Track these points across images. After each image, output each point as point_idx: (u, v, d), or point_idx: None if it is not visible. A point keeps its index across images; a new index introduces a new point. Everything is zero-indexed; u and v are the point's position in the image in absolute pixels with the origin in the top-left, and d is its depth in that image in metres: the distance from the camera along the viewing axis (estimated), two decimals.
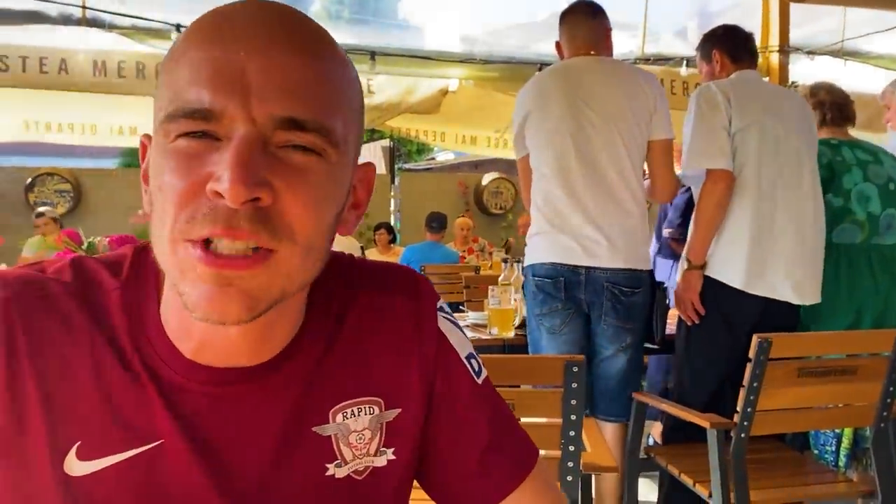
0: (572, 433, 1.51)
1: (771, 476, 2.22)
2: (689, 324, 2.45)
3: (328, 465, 0.70)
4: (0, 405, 0.61)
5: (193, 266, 0.55)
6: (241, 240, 0.55)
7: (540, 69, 4.66)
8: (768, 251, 2.38)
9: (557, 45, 2.63)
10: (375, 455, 0.72)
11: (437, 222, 6.33)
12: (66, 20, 3.76)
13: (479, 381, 0.78)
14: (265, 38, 0.57)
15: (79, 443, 0.62)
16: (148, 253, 0.67)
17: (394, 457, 0.73)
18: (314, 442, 0.69)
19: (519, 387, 1.62)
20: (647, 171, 2.58)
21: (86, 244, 2.54)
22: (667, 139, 2.48)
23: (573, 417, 1.50)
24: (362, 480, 0.72)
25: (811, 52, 4.52)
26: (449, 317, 0.78)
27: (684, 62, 4.80)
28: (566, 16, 2.59)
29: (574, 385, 1.48)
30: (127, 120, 6.24)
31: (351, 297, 0.73)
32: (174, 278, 0.57)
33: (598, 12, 2.57)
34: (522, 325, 2.87)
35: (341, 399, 0.70)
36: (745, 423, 2.02)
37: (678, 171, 2.69)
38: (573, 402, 1.49)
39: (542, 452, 1.58)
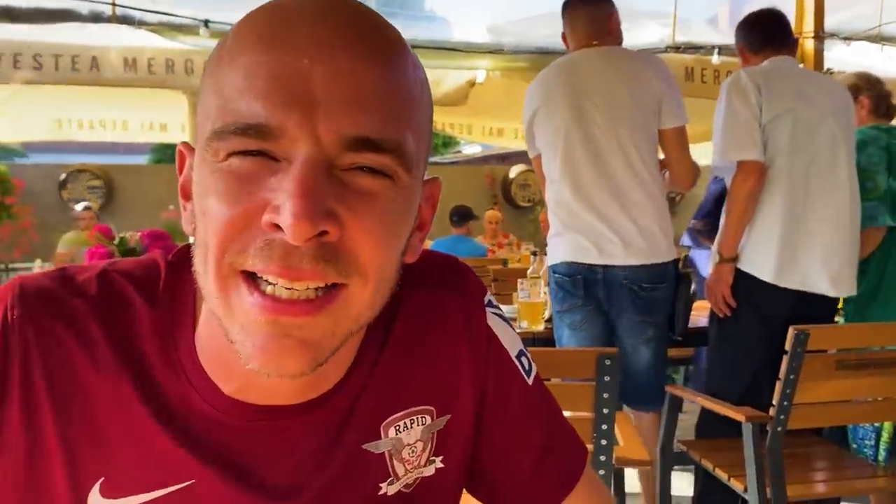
0: (605, 427, 1.49)
1: (808, 470, 2.17)
2: (720, 316, 2.41)
3: (381, 485, 0.64)
4: (14, 432, 0.55)
5: (246, 312, 0.49)
6: (302, 280, 0.48)
7: None
8: (801, 243, 2.33)
9: (563, 37, 2.58)
10: (425, 465, 0.67)
11: (457, 216, 6.29)
12: (96, 17, 3.80)
13: (530, 380, 0.72)
14: (333, 41, 0.48)
15: (102, 479, 0.57)
16: (183, 268, 0.60)
17: (442, 465, 0.68)
18: (365, 461, 0.63)
19: (549, 380, 1.60)
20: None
21: (117, 239, 2.57)
22: (678, 126, 2.41)
23: (606, 411, 1.48)
24: (411, 493, 0.67)
25: (847, 38, 4.42)
26: (497, 312, 0.72)
27: (716, 50, 4.72)
28: (565, 7, 2.52)
29: (606, 378, 1.46)
30: (157, 116, 6.32)
31: (396, 299, 0.63)
32: (223, 319, 0.51)
33: (600, 1, 2.48)
34: (551, 319, 2.85)
35: (392, 412, 0.64)
36: (782, 417, 1.98)
37: (708, 162, 2.64)
38: (605, 395, 1.47)
39: None
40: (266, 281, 0.48)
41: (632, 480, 2.54)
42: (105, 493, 0.57)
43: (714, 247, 2.47)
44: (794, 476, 2.04)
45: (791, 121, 2.32)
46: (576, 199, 2.37)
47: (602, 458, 1.51)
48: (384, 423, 0.63)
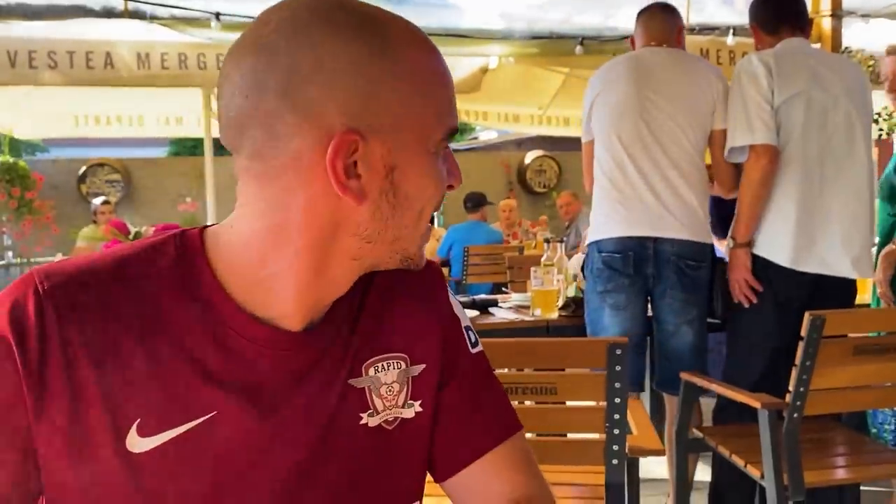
0: (617, 416, 1.49)
1: (826, 456, 2.15)
2: (745, 304, 2.38)
3: (362, 415, 0.76)
4: (58, 391, 0.64)
5: (427, 236, 0.73)
6: None
7: (581, 43, 4.58)
8: (818, 226, 2.31)
9: (631, 40, 2.75)
10: (403, 407, 0.79)
11: (471, 202, 6.33)
12: (108, 13, 3.81)
13: (474, 351, 0.86)
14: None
15: (139, 420, 0.66)
16: (185, 232, 0.73)
17: (420, 409, 0.80)
18: (351, 393, 0.75)
19: (562, 370, 1.60)
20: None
21: (132, 234, 2.59)
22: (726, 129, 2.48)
23: (617, 400, 1.48)
24: (392, 430, 0.78)
25: (866, 15, 4.33)
26: (451, 292, 0.88)
27: (731, 31, 4.64)
28: (642, 13, 2.72)
29: (618, 368, 1.46)
30: (173, 110, 6.36)
31: (367, 276, 0.78)
32: (408, 250, 0.72)
33: (673, 11, 2.71)
34: (566, 307, 2.84)
35: (373, 354, 0.77)
36: (798, 403, 1.96)
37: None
38: (617, 384, 1.47)
39: (587, 435, 1.57)
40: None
41: (647, 466, 2.54)
42: (142, 433, 0.66)
43: (729, 232, 2.45)
44: (811, 462, 2.03)
45: (804, 102, 2.29)
46: (631, 172, 2.47)
47: (615, 447, 1.51)
48: (365, 364, 0.77)
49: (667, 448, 2.39)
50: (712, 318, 2.54)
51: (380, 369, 0.77)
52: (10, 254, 7.52)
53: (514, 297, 3.25)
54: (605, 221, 2.54)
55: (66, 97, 5.44)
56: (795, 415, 1.96)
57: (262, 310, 0.70)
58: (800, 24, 2.48)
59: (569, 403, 1.69)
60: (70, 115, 6.15)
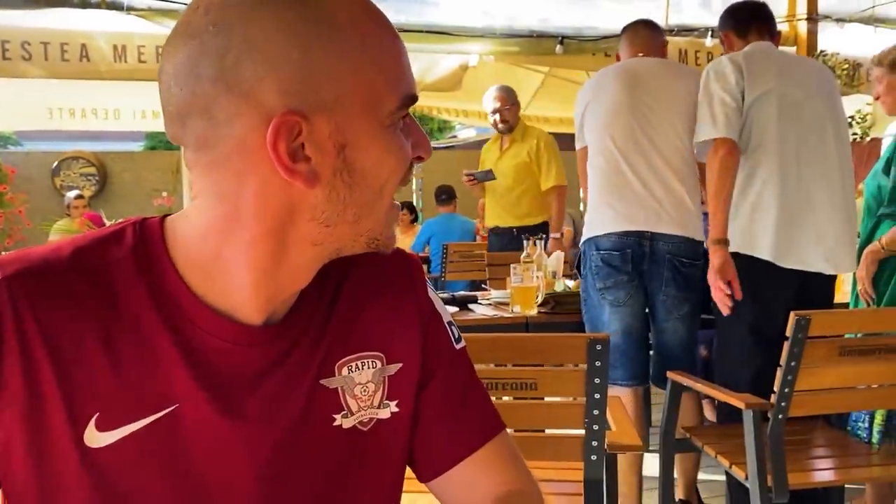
0: (596, 412, 1.50)
1: (810, 458, 2.14)
2: (724, 311, 2.35)
3: (335, 416, 0.74)
4: (14, 381, 0.62)
5: (394, 215, 0.70)
6: None
7: (561, 42, 4.60)
8: (797, 220, 2.32)
9: (616, 56, 2.84)
10: (379, 407, 0.77)
11: (445, 194, 6.42)
12: (84, 3, 3.75)
13: (458, 347, 0.84)
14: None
15: (97, 414, 0.64)
16: (145, 221, 0.70)
17: (397, 409, 0.78)
18: (323, 394, 0.73)
19: (542, 366, 1.60)
20: None
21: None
22: None
23: (597, 396, 1.48)
24: (367, 431, 0.76)
25: (840, 20, 4.39)
26: (431, 286, 0.85)
27: (709, 32, 4.69)
28: (627, 29, 2.82)
29: (598, 363, 1.46)
30: (149, 104, 6.27)
31: (348, 262, 0.76)
32: (374, 231, 0.69)
33: (657, 27, 2.84)
34: (545, 303, 2.85)
35: (346, 353, 0.75)
36: (783, 404, 1.96)
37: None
38: (597, 380, 1.48)
39: (565, 431, 1.57)
40: None
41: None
42: (100, 427, 0.64)
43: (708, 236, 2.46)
44: (796, 464, 2.02)
45: (776, 99, 2.32)
46: (625, 174, 2.53)
47: (594, 443, 1.52)
48: (338, 364, 0.74)
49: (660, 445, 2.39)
50: (708, 314, 2.57)
51: (353, 369, 0.75)
52: None
53: (494, 294, 3.25)
54: (601, 219, 2.61)
55: (40, 89, 5.33)
56: (780, 416, 1.96)
57: (221, 301, 0.67)
58: (768, 29, 2.54)
59: (547, 399, 1.69)
60: (44, 107, 6.05)
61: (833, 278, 2.41)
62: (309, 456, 0.72)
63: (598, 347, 1.45)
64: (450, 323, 0.84)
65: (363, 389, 0.75)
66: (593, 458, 1.52)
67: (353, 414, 0.75)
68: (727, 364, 2.47)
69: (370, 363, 0.76)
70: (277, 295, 0.69)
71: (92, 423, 0.64)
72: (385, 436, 0.77)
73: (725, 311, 2.34)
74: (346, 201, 0.65)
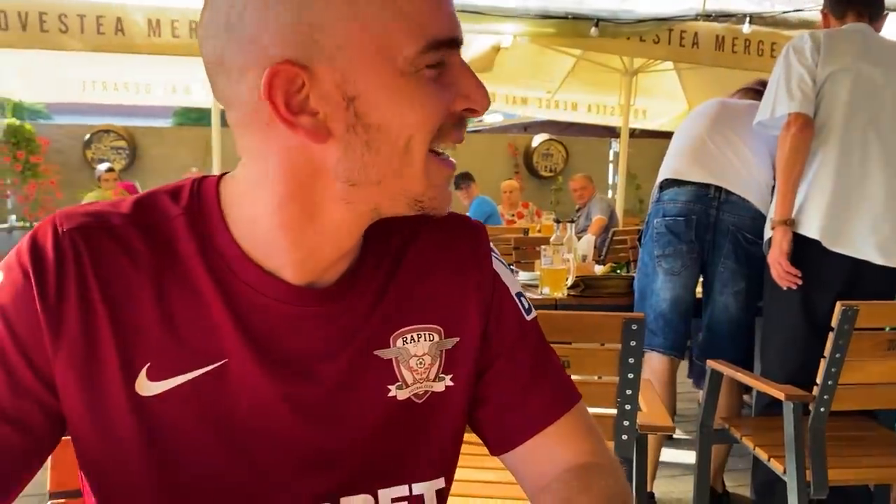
0: (629, 392, 1.49)
1: (854, 454, 2.07)
2: (782, 286, 2.28)
3: (390, 387, 0.73)
4: (74, 327, 0.63)
5: (442, 174, 0.65)
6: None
7: (597, 24, 4.54)
8: (852, 204, 2.21)
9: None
10: (434, 380, 0.75)
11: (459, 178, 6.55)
12: None
13: (528, 318, 0.81)
14: None
15: (148, 364, 0.65)
16: (204, 179, 0.71)
17: (452, 383, 0.76)
18: (377, 364, 0.72)
19: (571, 344, 1.59)
20: None
21: None
22: None
23: (630, 376, 1.48)
24: (422, 404, 0.75)
25: None
26: (499, 258, 0.82)
27: (747, 19, 4.60)
28: None
29: (632, 343, 1.46)
30: (180, 79, 6.31)
31: (412, 233, 0.76)
32: (411, 191, 0.64)
33: None
34: (575, 286, 2.84)
35: (402, 325, 0.73)
36: (826, 397, 1.90)
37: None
38: (631, 360, 1.47)
39: (597, 410, 1.57)
40: (442, 152, 0.65)
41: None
42: (151, 376, 0.66)
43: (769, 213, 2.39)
44: (838, 459, 1.94)
45: (851, 78, 2.22)
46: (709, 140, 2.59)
47: (625, 422, 1.52)
48: (394, 335, 0.73)
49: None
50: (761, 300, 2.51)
51: (409, 340, 0.73)
52: (13, 217, 7.51)
53: (522, 276, 3.24)
54: (671, 166, 2.66)
55: (73, 62, 5.40)
56: (822, 409, 1.90)
57: (266, 260, 0.67)
58: (869, 11, 2.38)
59: (580, 378, 1.68)
60: (77, 79, 6.11)
61: (893, 274, 2.26)
62: (360, 424, 0.72)
63: (634, 327, 1.44)
64: (519, 294, 0.81)
65: (419, 362, 0.74)
66: (624, 437, 1.52)
67: (408, 386, 0.73)
68: (771, 352, 2.40)
69: (427, 336, 0.74)
70: (318, 256, 0.67)
71: (143, 372, 0.65)
72: (439, 408, 0.76)
73: (785, 286, 2.27)
74: (366, 159, 0.62)
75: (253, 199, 0.66)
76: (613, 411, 1.54)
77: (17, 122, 7.44)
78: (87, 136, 7.82)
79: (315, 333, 0.69)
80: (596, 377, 1.57)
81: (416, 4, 0.59)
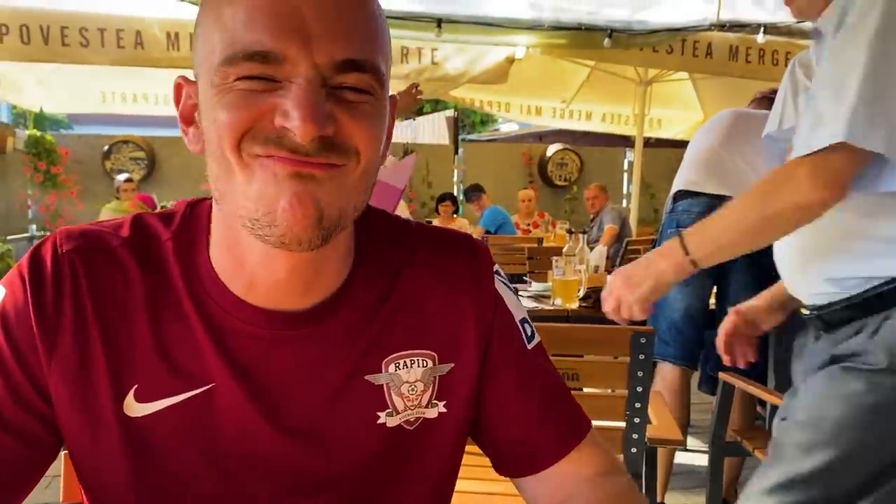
0: (638, 405, 1.50)
1: None
2: None
3: (379, 414, 0.71)
4: (67, 343, 0.65)
5: (273, 172, 0.58)
6: (309, 164, 0.59)
7: (610, 35, 4.55)
8: None
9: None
10: (427, 407, 0.73)
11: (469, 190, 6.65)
12: None
13: (531, 346, 0.79)
14: None
15: (136, 385, 0.66)
16: (200, 203, 0.72)
17: (445, 410, 0.74)
18: (366, 389, 0.71)
19: (581, 356, 1.61)
20: None
21: (159, 208, 2.62)
22: None
23: (639, 389, 1.49)
24: (413, 431, 0.73)
25: None
26: (504, 281, 0.79)
27: (761, 29, 4.59)
28: None
29: (641, 356, 1.47)
30: None
31: (409, 253, 0.75)
32: (244, 196, 0.60)
33: None
34: (586, 297, 2.85)
35: (395, 350, 0.72)
36: None
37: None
38: (640, 373, 1.48)
39: (606, 423, 1.58)
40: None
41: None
42: (139, 398, 0.67)
43: None
44: None
45: None
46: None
47: (634, 435, 1.52)
48: (385, 360, 0.71)
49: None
50: None
51: (402, 366, 0.71)
52: (33, 227, 7.61)
53: (535, 286, 3.25)
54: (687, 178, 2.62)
55: (93, 73, 5.48)
56: None
57: (231, 284, 0.68)
58: None
59: (589, 391, 1.70)
60: (97, 91, 6.20)
61: None
62: (348, 451, 0.71)
63: (643, 340, 1.45)
64: (523, 321, 0.79)
65: (411, 388, 0.72)
66: (633, 450, 1.52)
67: (398, 413, 0.72)
68: (786, 364, 2.39)
69: (420, 362, 0.72)
70: (262, 280, 0.66)
71: (132, 393, 0.66)
72: (432, 435, 0.74)
73: None
74: (212, 171, 0.62)
75: (214, 221, 0.69)
76: (622, 424, 1.54)
77: (38, 134, 7.54)
78: (107, 147, 7.91)
79: (293, 358, 0.68)
80: (607, 390, 1.58)
81: (233, 17, 0.59)
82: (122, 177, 6.19)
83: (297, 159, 0.58)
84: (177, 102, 0.66)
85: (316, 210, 0.59)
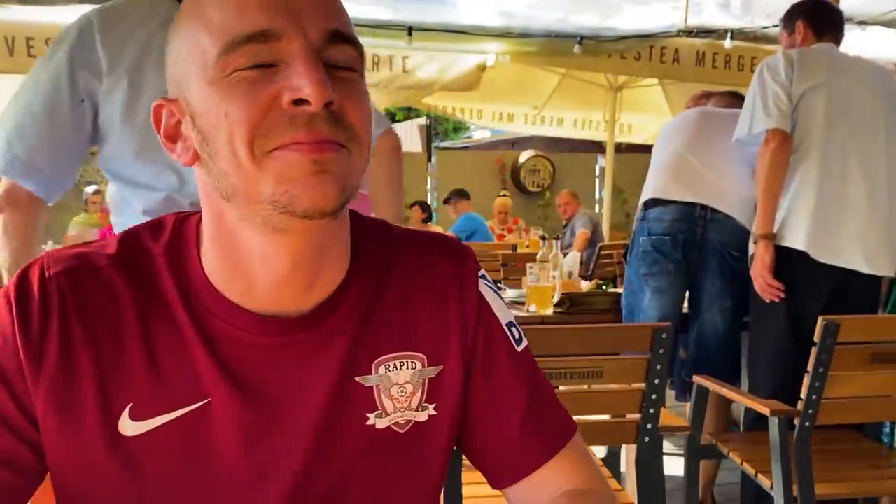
0: (654, 396, 1.56)
1: (841, 468, 2.07)
2: (765, 298, 2.31)
3: (368, 415, 0.72)
4: (52, 364, 0.65)
5: (290, 162, 0.59)
6: (323, 142, 0.60)
7: (580, 42, 4.61)
8: (835, 214, 2.28)
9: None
10: (417, 410, 0.74)
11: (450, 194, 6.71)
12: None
13: (519, 349, 0.79)
14: None
15: (131, 404, 0.66)
16: (189, 216, 0.72)
17: (435, 413, 0.75)
18: (357, 391, 0.71)
19: (606, 355, 1.64)
20: None
21: None
22: None
23: (657, 381, 1.55)
24: (403, 434, 0.74)
25: (862, 22, 4.39)
26: (490, 284, 0.80)
27: (728, 34, 4.69)
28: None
29: (661, 351, 1.54)
30: None
31: (396, 256, 0.76)
32: (265, 192, 0.60)
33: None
34: (561, 303, 2.79)
35: (384, 352, 0.72)
36: (810, 412, 1.90)
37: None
38: (658, 367, 1.54)
39: (617, 417, 1.62)
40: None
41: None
42: (134, 416, 0.66)
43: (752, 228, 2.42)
44: (825, 473, 1.95)
45: (825, 92, 2.29)
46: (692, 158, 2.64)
47: (649, 425, 1.59)
48: (375, 362, 0.72)
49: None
50: (746, 315, 2.54)
51: (391, 368, 0.72)
52: None
53: (509, 293, 3.24)
54: (656, 184, 2.65)
55: None
56: (807, 423, 1.90)
57: (227, 291, 0.68)
58: (839, 34, 2.51)
59: (594, 387, 1.72)
60: None
61: (878, 283, 2.33)
62: (340, 455, 0.71)
63: (664, 336, 1.52)
64: (510, 324, 0.79)
65: (400, 390, 0.73)
66: (647, 439, 1.58)
67: (387, 414, 0.72)
68: (758, 366, 2.43)
69: (409, 364, 0.73)
70: (260, 284, 0.67)
71: (126, 412, 0.66)
72: (422, 439, 0.75)
73: (768, 299, 2.30)
74: (213, 169, 0.63)
75: (205, 229, 0.69)
76: (637, 416, 1.60)
77: None
78: None
79: (291, 363, 0.69)
80: (625, 385, 1.62)
81: (222, 11, 0.61)
82: (90, 188, 6.08)
83: (312, 142, 0.59)
84: (157, 123, 0.67)
85: (334, 178, 0.60)
